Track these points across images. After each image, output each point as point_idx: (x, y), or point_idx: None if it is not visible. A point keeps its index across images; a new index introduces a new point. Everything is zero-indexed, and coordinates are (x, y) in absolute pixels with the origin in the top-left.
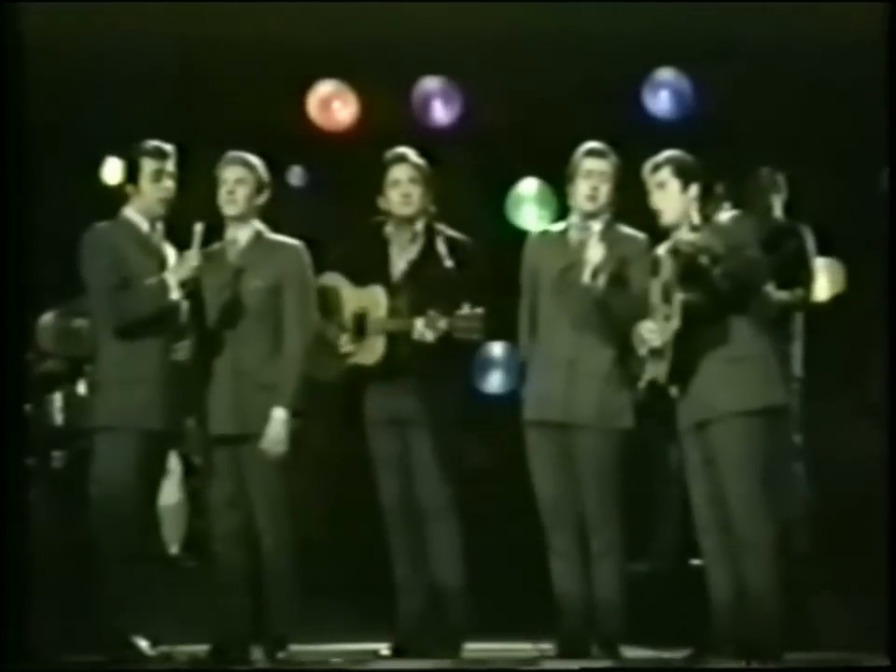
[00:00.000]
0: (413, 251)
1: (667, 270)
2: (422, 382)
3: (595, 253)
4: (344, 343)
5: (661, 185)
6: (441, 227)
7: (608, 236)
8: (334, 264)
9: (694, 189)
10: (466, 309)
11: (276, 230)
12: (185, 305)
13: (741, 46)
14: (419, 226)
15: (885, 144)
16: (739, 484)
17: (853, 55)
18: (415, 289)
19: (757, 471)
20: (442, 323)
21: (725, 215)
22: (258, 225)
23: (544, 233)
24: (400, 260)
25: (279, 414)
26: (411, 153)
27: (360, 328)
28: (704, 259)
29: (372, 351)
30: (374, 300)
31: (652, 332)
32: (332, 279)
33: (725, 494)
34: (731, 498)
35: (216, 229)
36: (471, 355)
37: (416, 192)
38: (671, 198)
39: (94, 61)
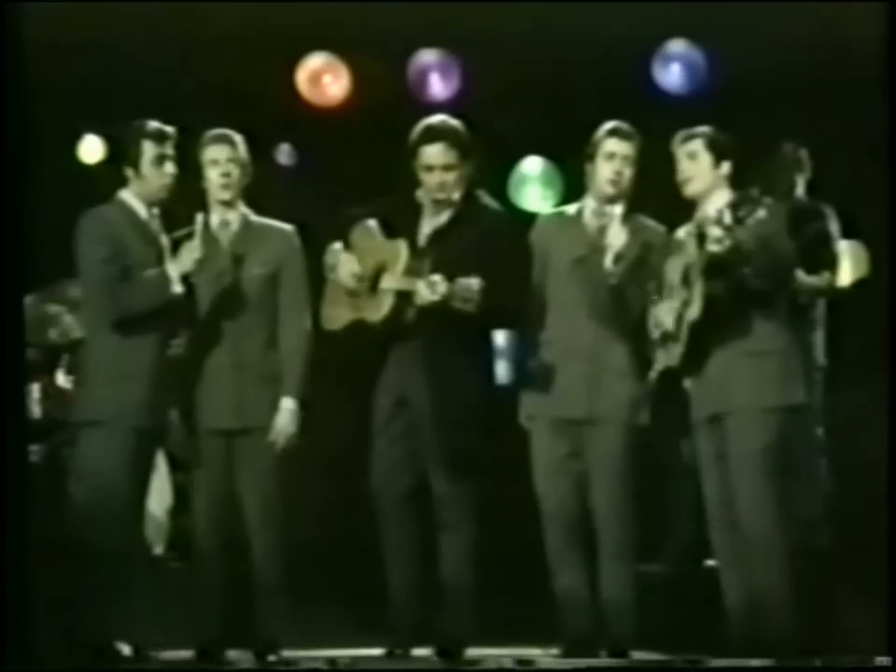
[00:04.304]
0: (442, 217)
1: (691, 253)
2: (429, 360)
3: (618, 238)
4: (357, 293)
5: (692, 155)
6: (480, 193)
7: (628, 222)
8: (373, 213)
9: (726, 168)
10: (466, 278)
11: (265, 210)
12: (185, 297)
13: (754, 17)
14: (455, 195)
15: (885, 144)
16: (748, 481)
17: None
18: (438, 255)
19: (768, 469)
20: (442, 287)
21: (729, 199)
22: (243, 208)
23: (555, 216)
24: (427, 226)
25: (288, 405)
26: (444, 129)
27: (375, 282)
28: (734, 259)
29: (379, 307)
30: (395, 254)
31: (668, 314)
32: (366, 227)
33: (734, 490)
34: (739, 495)
35: (180, 211)
36: (486, 342)
37: (452, 177)
38: (701, 170)
39: (77, 32)
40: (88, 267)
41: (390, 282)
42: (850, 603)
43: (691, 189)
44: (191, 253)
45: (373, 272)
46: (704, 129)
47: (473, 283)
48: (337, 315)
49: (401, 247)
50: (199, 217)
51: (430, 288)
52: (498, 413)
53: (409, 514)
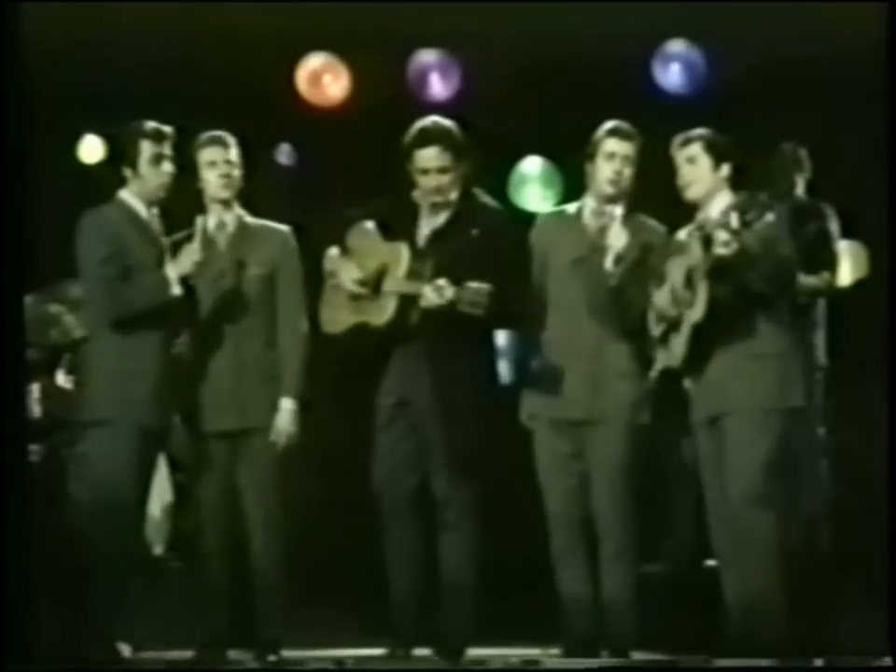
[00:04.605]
0: (441, 218)
1: (695, 255)
2: (432, 360)
3: (619, 239)
4: (358, 297)
5: (691, 160)
6: (476, 191)
7: (628, 223)
8: (369, 214)
9: (726, 170)
10: (475, 283)
11: (265, 210)
12: (185, 300)
13: (754, 17)
14: (452, 196)
15: (885, 144)
16: (741, 481)
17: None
18: (438, 256)
19: (766, 470)
20: (449, 292)
21: (730, 202)
22: (238, 210)
23: (555, 215)
24: (426, 226)
25: (287, 405)
26: (437, 132)
27: (378, 284)
28: (740, 262)
29: (383, 311)
30: (397, 257)
31: (666, 298)
32: (363, 229)
33: (728, 490)
34: (736, 496)
35: (175, 213)
36: (488, 342)
37: (447, 179)
38: (701, 174)
39: (77, 32)
40: (87, 266)
41: (394, 285)
42: (851, 603)
43: (692, 194)
44: (191, 256)
45: (374, 274)
46: (701, 131)
47: (482, 287)
48: (338, 319)
49: (402, 250)
50: (199, 220)
51: (437, 293)
52: (500, 413)
53: (411, 515)
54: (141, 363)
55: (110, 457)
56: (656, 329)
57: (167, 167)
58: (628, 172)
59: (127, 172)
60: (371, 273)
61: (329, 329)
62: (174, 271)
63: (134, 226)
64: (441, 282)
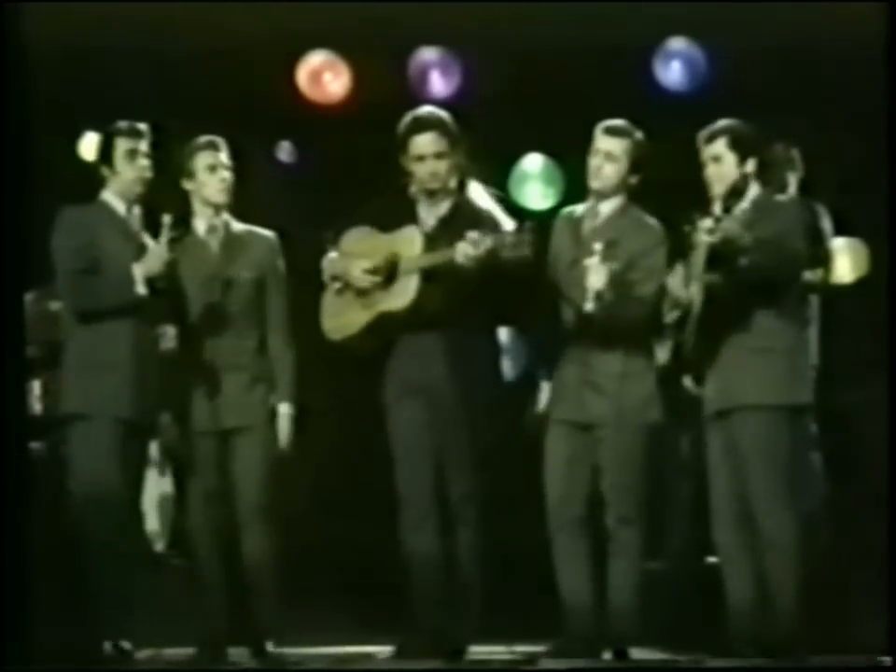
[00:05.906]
0: (443, 207)
1: (702, 247)
2: (450, 356)
3: (598, 279)
4: (372, 292)
5: (716, 158)
6: (474, 182)
7: (618, 223)
8: (361, 219)
9: (752, 164)
10: (512, 225)
11: (264, 209)
12: (155, 299)
13: (754, 15)
14: (451, 184)
15: (885, 144)
16: (762, 479)
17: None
18: (451, 234)
19: (779, 466)
20: (488, 241)
21: (752, 196)
22: (226, 214)
23: (566, 215)
24: (430, 216)
25: (285, 409)
26: (433, 119)
27: (391, 273)
28: (726, 249)
29: (404, 293)
30: (409, 239)
31: (678, 281)
32: (360, 231)
33: (747, 488)
34: (753, 493)
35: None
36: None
37: (443, 165)
38: (726, 173)
39: (77, 31)
40: (58, 257)
41: (415, 263)
42: (850, 603)
43: (717, 190)
44: (159, 256)
45: (385, 266)
46: (726, 124)
47: (524, 225)
48: (350, 321)
49: (413, 231)
50: (166, 219)
51: (474, 245)
52: (511, 410)
53: (432, 512)
54: (115, 355)
55: (91, 451)
56: (670, 316)
57: (143, 162)
58: (610, 168)
59: (105, 171)
60: (382, 264)
61: (338, 336)
62: (139, 270)
63: (112, 223)
64: (475, 234)
